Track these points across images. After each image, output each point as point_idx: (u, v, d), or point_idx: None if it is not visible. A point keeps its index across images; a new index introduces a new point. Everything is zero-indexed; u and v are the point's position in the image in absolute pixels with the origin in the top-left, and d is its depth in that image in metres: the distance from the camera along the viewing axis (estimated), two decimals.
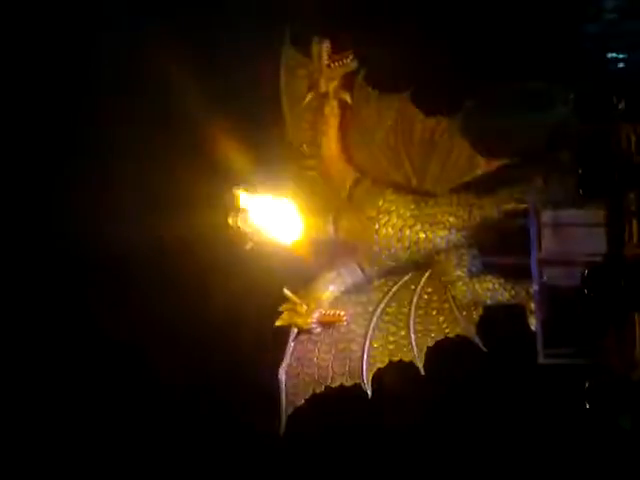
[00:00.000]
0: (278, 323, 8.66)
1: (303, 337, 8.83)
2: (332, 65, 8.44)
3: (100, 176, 10.17)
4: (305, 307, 8.55)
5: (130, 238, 9.68)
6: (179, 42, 9.79)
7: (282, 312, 8.66)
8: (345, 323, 8.66)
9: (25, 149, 10.47)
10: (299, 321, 8.59)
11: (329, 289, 8.76)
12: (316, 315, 8.57)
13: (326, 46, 8.44)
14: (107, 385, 10.33)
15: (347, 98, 8.61)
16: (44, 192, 10.38)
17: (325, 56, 8.45)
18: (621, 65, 8.47)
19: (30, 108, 10.37)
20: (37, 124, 10.43)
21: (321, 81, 8.50)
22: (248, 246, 8.64)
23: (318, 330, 8.66)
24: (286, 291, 8.61)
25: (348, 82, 8.64)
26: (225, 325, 9.69)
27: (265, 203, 8.66)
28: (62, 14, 10.19)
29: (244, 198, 8.53)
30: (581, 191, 7.70)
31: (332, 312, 8.63)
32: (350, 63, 8.46)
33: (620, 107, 7.80)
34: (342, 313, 8.63)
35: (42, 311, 10.40)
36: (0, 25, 10.30)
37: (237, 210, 8.56)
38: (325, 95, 8.55)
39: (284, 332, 8.78)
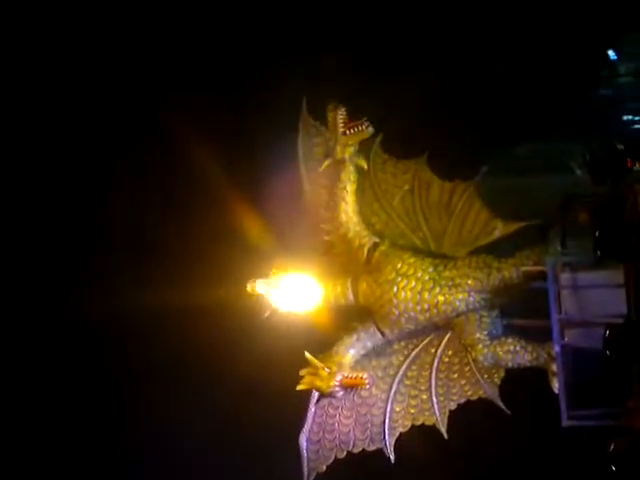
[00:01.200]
0: (300, 387, 8.71)
1: (324, 402, 8.90)
2: (348, 132, 8.61)
3: (124, 242, 10.40)
4: (327, 370, 8.61)
5: (150, 307, 9.84)
6: (202, 115, 10.09)
7: (303, 376, 8.73)
8: (367, 387, 8.70)
9: (43, 214, 10.73)
10: (322, 385, 8.64)
11: (349, 353, 8.85)
12: (339, 378, 8.61)
13: (341, 113, 8.61)
14: (135, 456, 10.42)
15: (363, 164, 8.80)
16: (65, 260, 10.60)
17: (340, 123, 8.62)
18: (637, 127, 8.55)
19: (43, 180, 10.65)
20: (52, 191, 10.71)
21: (337, 148, 8.67)
22: (266, 314, 8.77)
23: (341, 394, 8.70)
24: (308, 355, 8.70)
25: (364, 148, 8.86)
26: (246, 392, 9.86)
27: (285, 276, 8.83)
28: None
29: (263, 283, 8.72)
30: (598, 253, 7.75)
31: (355, 375, 8.65)
32: (366, 130, 8.62)
33: (635, 169, 7.96)
34: (364, 376, 8.65)
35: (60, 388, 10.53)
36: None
37: (256, 277, 8.78)
38: (342, 161, 8.73)
39: (305, 397, 8.90)
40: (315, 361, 8.68)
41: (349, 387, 8.71)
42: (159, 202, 10.40)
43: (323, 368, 8.63)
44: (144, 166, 10.48)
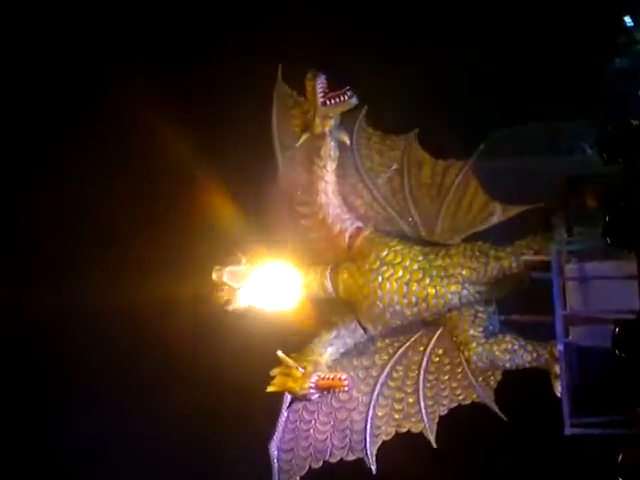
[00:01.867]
0: (270, 389, 8.28)
1: (298, 406, 8.55)
2: (328, 102, 8.19)
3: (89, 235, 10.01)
4: (301, 370, 8.20)
5: (112, 298, 9.49)
6: (167, 91, 9.71)
7: (274, 377, 8.28)
8: (346, 389, 8.32)
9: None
10: (294, 386, 8.21)
11: (327, 351, 8.48)
12: (314, 379, 8.19)
13: (321, 81, 8.18)
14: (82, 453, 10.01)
15: (345, 139, 8.40)
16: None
17: (320, 92, 8.19)
18: None
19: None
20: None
21: (316, 120, 8.25)
22: (233, 306, 8.39)
23: (316, 397, 8.31)
24: (279, 353, 8.25)
25: (347, 121, 8.46)
26: (212, 393, 9.39)
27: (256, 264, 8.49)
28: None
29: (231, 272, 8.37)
30: (608, 240, 7.40)
31: (332, 376, 8.25)
32: (348, 100, 8.20)
33: None
34: (343, 377, 8.25)
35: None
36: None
37: (223, 265, 8.39)
38: (321, 136, 8.31)
39: (277, 400, 8.50)
40: (288, 360, 8.23)
41: (326, 389, 8.29)
42: (121, 186, 9.99)
43: (297, 368, 8.20)
44: (103, 150, 10.11)
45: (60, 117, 10.07)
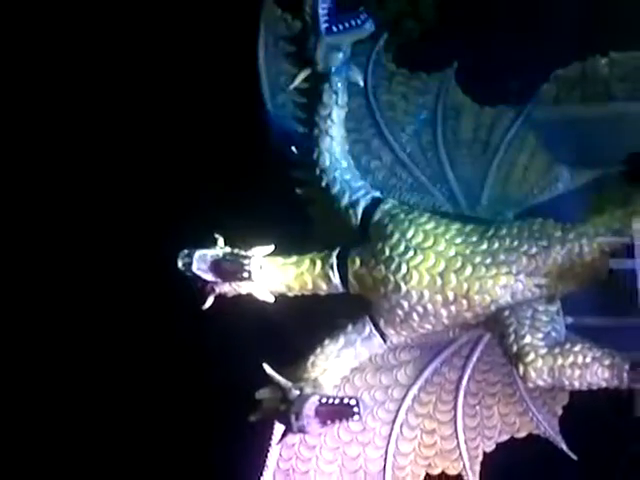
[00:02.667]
0: (254, 417, 6.80)
1: (293, 440, 7.09)
2: (335, 28, 6.72)
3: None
4: (296, 393, 6.64)
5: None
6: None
7: (261, 401, 6.81)
8: (357, 418, 6.69)
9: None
10: (287, 414, 6.68)
11: (334, 365, 6.99)
12: (312, 406, 6.60)
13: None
14: None
15: (358, 79, 6.95)
16: None
17: (324, 15, 6.71)
18: None
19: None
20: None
21: (318, 52, 6.77)
22: (208, 303, 6.87)
23: (316, 429, 6.73)
24: (268, 369, 6.70)
25: (360, 54, 7.10)
26: (184, 418, 8.38)
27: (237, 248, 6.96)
28: None
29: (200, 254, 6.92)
30: None
31: (338, 400, 6.68)
32: (362, 25, 6.70)
33: None
34: (353, 402, 6.64)
35: None
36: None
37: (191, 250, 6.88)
38: (325, 75, 6.84)
39: (267, 431, 6.97)
40: (279, 378, 6.68)
41: (329, 419, 6.67)
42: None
43: (290, 389, 6.65)
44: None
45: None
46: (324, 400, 6.56)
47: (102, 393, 9.17)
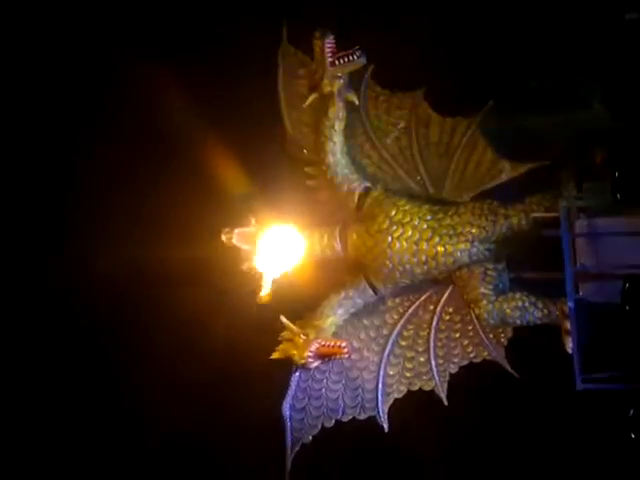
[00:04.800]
0: (274, 356, 8.50)
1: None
2: (337, 62, 8.22)
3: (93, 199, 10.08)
4: (303, 337, 8.39)
5: (118, 266, 9.60)
6: (170, 54, 9.73)
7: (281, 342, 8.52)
8: (346, 356, 8.52)
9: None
10: (295, 354, 8.42)
11: (337, 313, 8.65)
12: (314, 347, 8.38)
13: (329, 41, 8.21)
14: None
15: (354, 99, 8.45)
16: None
17: (328, 52, 8.22)
18: None
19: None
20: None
21: (324, 80, 8.28)
22: (245, 266, 8.48)
23: (315, 364, 8.48)
24: (283, 319, 8.47)
25: (354, 80, 8.48)
26: (226, 357, 9.50)
27: (265, 226, 8.56)
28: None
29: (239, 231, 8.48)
30: (618, 196, 7.59)
31: (332, 343, 8.45)
32: (358, 60, 8.24)
33: None
34: (343, 344, 8.47)
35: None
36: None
37: (231, 227, 8.49)
38: (329, 96, 8.36)
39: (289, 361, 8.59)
40: (291, 326, 8.45)
41: (326, 357, 8.49)
42: (128, 149, 9.98)
43: (299, 335, 8.40)
44: (111, 115, 10.12)
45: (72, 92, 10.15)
46: (322, 343, 8.39)
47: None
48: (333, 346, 8.41)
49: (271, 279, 8.37)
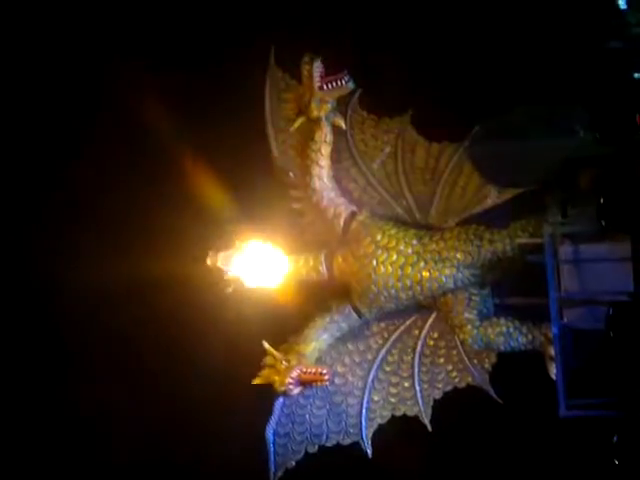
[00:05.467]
0: (256, 381, 8.50)
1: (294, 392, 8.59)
2: (325, 87, 8.29)
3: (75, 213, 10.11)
4: (285, 364, 8.39)
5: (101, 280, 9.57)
6: (155, 72, 9.79)
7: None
8: (327, 384, 8.52)
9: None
10: (276, 380, 8.41)
11: (321, 337, 8.69)
12: (295, 374, 8.37)
13: (318, 65, 8.30)
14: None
15: (341, 124, 8.53)
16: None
17: (317, 76, 8.30)
18: None
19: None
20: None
21: (312, 104, 8.35)
22: (229, 289, 8.52)
23: (296, 391, 8.45)
24: (265, 344, 8.49)
25: (341, 105, 8.54)
26: (206, 379, 9.47)
27: (250, 249, 8.61)
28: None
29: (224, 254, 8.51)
30: (603, 222, 7.62)
31: (313, 370, 8.43)
32: (346, 85, 8.31)
33: None
34: (324, 371, 8.45)
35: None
36: None
37: (217, 250, 8.53)
38: (317, 120, 8.43)
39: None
40: (273, 352, 8.48)
41: (308, 384, 8.46)
42: (112, 168, 10.05)
43: (281, 361, 8.40)
44: (95, 132, 10.16)
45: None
46: (303, 370, 8.36)
47: None
48: (314, 373, 8.40)
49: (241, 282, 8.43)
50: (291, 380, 8.32)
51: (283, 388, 8.35)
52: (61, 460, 10.20)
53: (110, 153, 9.96)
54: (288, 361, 8.38)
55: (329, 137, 8.47)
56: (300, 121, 8.46)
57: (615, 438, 7.63)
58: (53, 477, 10.32)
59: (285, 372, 8.34)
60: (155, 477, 10.07)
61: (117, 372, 9.90)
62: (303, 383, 8.41)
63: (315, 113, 8.36)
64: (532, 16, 8.82)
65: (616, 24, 8.08)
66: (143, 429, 9.78)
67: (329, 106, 8.35)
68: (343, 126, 8.53)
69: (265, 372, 8.47)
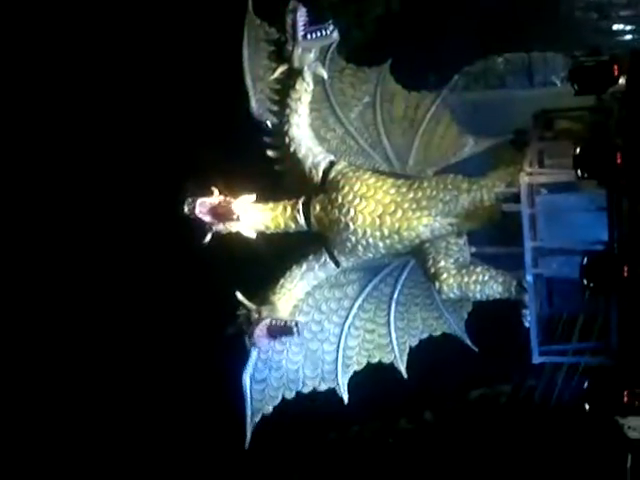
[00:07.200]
0: (228, 331, 8.51)
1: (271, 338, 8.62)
2: (309, 36, 8.21)
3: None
4: (256, 315, 8.38)
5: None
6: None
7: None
8: (296, 336, 8.42)
9: None
10: (246, 332, 8.40)
11: (297, 285, 8.73)
12: (262, 326, 8.33)
13: (302, 14, 8.20)
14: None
15: (323, 73, 8.49)
16: None
17: (301, 25, 8.20)
18: (628, 37, 8.34)
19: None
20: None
21: (295, 53, 8.28)
22: (207, 238, 8.48)
23: (265, 343, 8.43)
24: (239, 295, 8.47)
25: (319, 54, 8.49)
26: (185, 326, 9.67)
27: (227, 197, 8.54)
28: None
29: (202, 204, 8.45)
30: (578, 172, 7.63)
31: (282, 323, 8.37)
32: (330, 35, 8.20)
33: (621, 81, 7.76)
34: (293, 323, 8.36)
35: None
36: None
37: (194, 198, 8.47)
38: (299, 69, 8.37)
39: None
40: (245, 302, 8.46)
41: (276, 336, 8.42)
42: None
43: (253, 312, 8.39)
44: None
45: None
46: (273, 322, 8.30)
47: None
48: (283, 326, 8.36)
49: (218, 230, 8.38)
50: (259, 332, 8.32)
51: (252, 340, 8.37)
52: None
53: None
54: (259, 312, 8.37)
55: (310, 86, 8.44)
56: (281, 70, 8.42)
57: (586, 384, 7.68)
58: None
59: (256, 323, 8.34)
60: (138, 423, 10.14)
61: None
62: (272, 335, 8.39)
63: (298, 62, 8.31)
64: None
65: None
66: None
67: (312, 56, 8.31)
68: (325, 76, 8.51)
69: (238, 322, 8.47)
